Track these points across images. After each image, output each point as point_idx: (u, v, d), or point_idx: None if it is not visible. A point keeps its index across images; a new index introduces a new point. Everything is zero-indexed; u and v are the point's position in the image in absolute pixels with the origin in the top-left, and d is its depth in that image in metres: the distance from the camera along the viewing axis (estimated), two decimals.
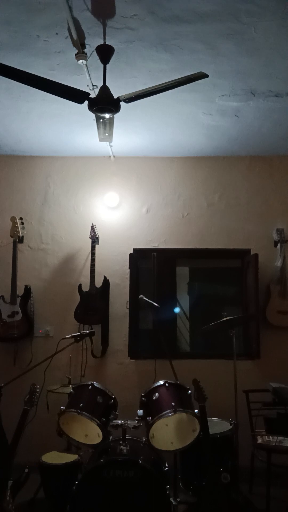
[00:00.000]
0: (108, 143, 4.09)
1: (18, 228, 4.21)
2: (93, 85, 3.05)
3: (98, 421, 2.73)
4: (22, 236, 4.29)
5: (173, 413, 2.66)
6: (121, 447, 2.75)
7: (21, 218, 4.30)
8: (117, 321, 4.30)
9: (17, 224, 4.22)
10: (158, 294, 4.24)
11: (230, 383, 3.32)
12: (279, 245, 4.32)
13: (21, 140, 4.15)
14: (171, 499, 2.65)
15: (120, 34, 2.59)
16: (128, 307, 4.26)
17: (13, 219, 4.24)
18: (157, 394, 2.84)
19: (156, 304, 3.53)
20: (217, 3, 2.33)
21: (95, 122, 3.27)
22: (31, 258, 4.39)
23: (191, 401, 2.83)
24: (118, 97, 2.52)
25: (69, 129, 3.88)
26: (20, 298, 4.12)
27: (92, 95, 2.53)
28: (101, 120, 2.94)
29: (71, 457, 3.04)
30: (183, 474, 3.02)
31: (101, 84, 2.61)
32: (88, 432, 2.86)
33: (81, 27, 2.51)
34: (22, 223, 4.29)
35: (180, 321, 4.66)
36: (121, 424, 2.83)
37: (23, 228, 4.29)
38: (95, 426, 2.75)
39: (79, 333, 3.16)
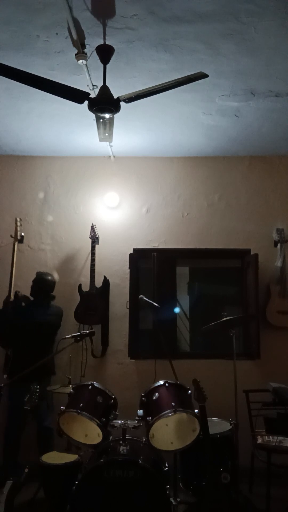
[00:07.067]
0: (108, 143, 4.09)
1: (18, 231, 4.19)
2: (93, 85, 3.05)
3: (98, 421, 2.72)
4: (22, 236, 4.28)
5: (173, 413, 2.65)
6: (121, 447, 2.75)
7: (20, 219, 4.28)
8: (117, 321, 4.30)
9: (19, 225, 4.20)
10: (158, 294, 4.23)
11: (230, 383, 3.32)
12: (279, 245, 4.32)
13: (21, 140, 4.15)
14: (171, 499, 2.65)
15: (120, 34, 2.59)
16: (128, 307, 4.26)
17: (16, 220, 4.22)
18: (157, 394, 2.84)
19: (156, 304, 3.54)
20: (217, 3, 2.33)
21: (95, 122, 3.27)
22: (31, 258, 4.39)
23: (191, 401, 2.82)
24: (118, 97, 2.52)
25: (69, 129, 3.88)
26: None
27: (92, 95, 2.53)
28: (101, 120, 2.94)
29: (71, 457, 3.03)
30: (183, 474, 3.01)
31: (101, 84, 2.62)
32: (88, 432, 2.86)
33: (81, 27, 2.51)
34: (21, 225, 4.27)
35: (180, 321, 4.66)
36: (121, 424, 2.83)
37: (22, 229, 4.27)
38: (95, 426, 2.74)
39: (79, 333, 3.15)
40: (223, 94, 3.25)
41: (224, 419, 3.24)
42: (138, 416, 2.80)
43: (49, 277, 4.04)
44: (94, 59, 2.73)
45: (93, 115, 2.74)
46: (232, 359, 3.35)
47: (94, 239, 4.23)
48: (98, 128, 3.16)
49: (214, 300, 4.80)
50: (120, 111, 2.59)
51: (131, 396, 3.81)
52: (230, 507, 2.82)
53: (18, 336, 3.76)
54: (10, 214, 4.46)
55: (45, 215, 4.47)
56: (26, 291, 4.04)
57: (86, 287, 4.19)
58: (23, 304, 3.97)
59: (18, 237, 4.18)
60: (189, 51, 2.75)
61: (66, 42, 2.65)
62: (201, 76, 2.50)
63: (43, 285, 3.97)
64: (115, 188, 4.49)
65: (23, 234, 4.26)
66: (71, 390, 2.95)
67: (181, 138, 4.08)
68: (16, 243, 4.15)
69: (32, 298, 3.98)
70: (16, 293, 3.98)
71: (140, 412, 2.81)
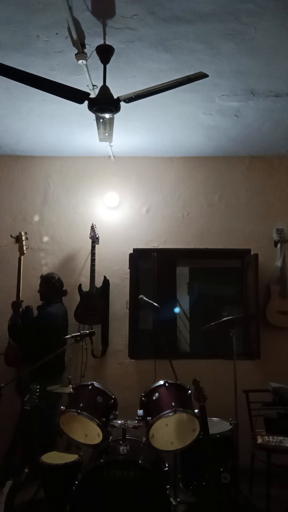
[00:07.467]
0: (108, 143, 4.09)
1: (24, 245, 4.13)
2: (93, 85, 3.05)
3: (98, 421, 2.72)
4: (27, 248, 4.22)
5: (173, 413, 2.65)
6: (121, 447, 2.75)
7: (26, 233, 4.23)
8: (117, 321, 4.30)
9: (24, 239, 4.15)
10: (158, 294, 4.23)
11: (230, 383, 3.32)
12: (279, 245, 4.32)
13: (21, 140, 4.15)
14: (171, 499, 2.65)
15: (120, 34, 2.59)
16: (128, 307, 4.26)
17: (20, 235, 4.17)
18: (157, 394, 2.84)
19: (156, 304, 3.54)
20: (217, 3, 2.33)
21: (95, 122, 3.27)
22: (31, 258, 4.38)
23: (191, 401, 2.82)
24: (118, 97, 2.52)
25: (69, 129, 3.88)
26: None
27: (92, 95, 2.53)
28: (101, 120, 2.94)
29: (71, 457, 3.03)
30: (183, 474, 3.02)
31: (101, 84, 2.62)
32: (88, 432, 2.86)
33: (81, 27, 2.51)
34: (27, 238, 4.23)
35: (180, 321, 4.66)
36: (121, 424, 2.83)
37: (28, 243, 4.25)
38: (95, 426, 2.75)
39: (79, 333, 3.16)
40: (223, 94, 3.25)
41: (224, 419, 3.24)
42: (138, 416, 2.80)
43: (56, 276, 4.05)
44: (94, 59, 2.73)
45: (93, 115, 2.74)
46: (232, 359, 3.34)
47: (94, 239, 4.23)
48: (98, 128, 3.16)
49: (214, 300, 4.80)
50: (120, 111, 2.59)
51: (131, 396, 3.81)
52: (230, 507, 2.81)
53: (38, 343, 3.67)
54: (10, 214, 4.47)
55: (45, 215, 4.47)
56: (25, 290, 4.05)
57: (86, 287, 4.19)
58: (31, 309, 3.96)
59: (24, 251, 4.12)
60: (189, 51, 2.75)
61: (66, 42, 2.65)
62: (201, 76, 2.50)
63: (56, 284, 3.98)
64: (115, 188, 4.49)
65: (30, 246, 4.24)
66: (71, 390, 2.95)
67: (181, 138, 4.08)
68: (22, 257, 4.09)
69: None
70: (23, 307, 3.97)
71: (140, 412, 2.81)
